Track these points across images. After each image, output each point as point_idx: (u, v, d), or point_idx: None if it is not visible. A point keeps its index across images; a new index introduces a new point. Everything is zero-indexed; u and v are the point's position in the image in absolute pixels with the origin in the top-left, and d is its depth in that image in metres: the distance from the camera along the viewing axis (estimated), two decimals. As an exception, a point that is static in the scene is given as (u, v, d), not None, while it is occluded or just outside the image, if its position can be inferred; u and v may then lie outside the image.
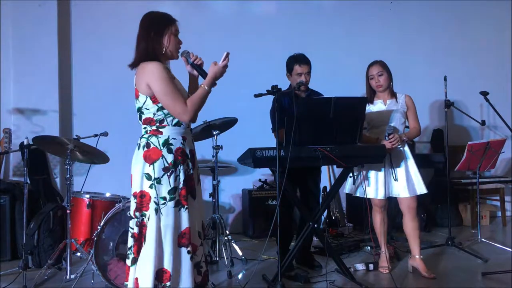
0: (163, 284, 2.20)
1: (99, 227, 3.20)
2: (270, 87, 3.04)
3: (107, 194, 3.57)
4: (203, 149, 4.70)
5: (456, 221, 5.33)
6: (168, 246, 2.21)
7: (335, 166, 4.98)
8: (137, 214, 2.26)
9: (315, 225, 3.28)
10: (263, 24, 5.55)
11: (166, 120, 2.28)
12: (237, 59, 5.17)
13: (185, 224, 2.25)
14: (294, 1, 5.60)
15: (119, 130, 4.30)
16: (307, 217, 3.29)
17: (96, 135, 3.82)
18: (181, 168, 2.27)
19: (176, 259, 2.23)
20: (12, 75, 4.81)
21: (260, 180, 5.15)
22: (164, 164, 2.23)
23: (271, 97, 3.24)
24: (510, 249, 4.07)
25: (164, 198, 2.23)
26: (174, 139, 2.28)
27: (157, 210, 2.22)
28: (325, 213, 4.72)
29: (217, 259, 3.85)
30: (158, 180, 2.23)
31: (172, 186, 2.23)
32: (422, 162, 3.56)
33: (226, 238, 3.91)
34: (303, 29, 5.58)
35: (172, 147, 2.26)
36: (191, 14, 5.41)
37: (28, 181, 3.77)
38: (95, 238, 3.16)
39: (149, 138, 2.27)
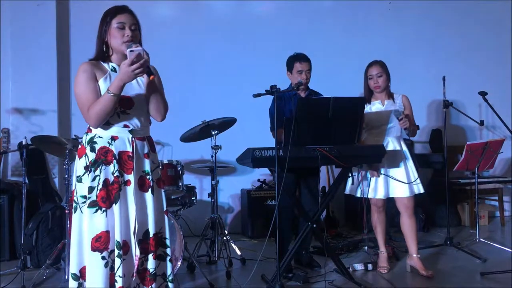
0: (83, 281, 2.13)
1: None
2: (269, 87, 3.05)
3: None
4: (202, 149, 4.71)
5: (455, 221, 5.34)
6: (81, 247, 2.13)
7: (334, 167, 4.98)
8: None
9: (314, 225, 3.28)
10: (262, 23, 5.54)
11: None
12: (236, 59, 5.30)
13: (101, 227, 2.11)
14: (293, 1, 5.60)
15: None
16: (306, 217, 3.30)
17: (94, 135, 3.81)
18: (103, 168, 2.14)
19: (89, 261, 2.12)
20: (11, 75, 4.80)
21: (259, 180, 5.14)
22: (86, 162, 2.16)
23: (270, 97, 3.24)
24: (508, 249, 4.08)
25: (84, 197, 2.14)
26: (100, 137, 2.18)
27: (76, 209, 2.15)
28: (324, 213, 4.71)
29: (216, 259, 3.84)
30: (79, 178, 2.17)
31: (89, 185, 2.14)
32: (420, 162, 3.57)
33: (224, 238, 3.91)
34: (302, 28, 5.58)
35: (95, 145, 2.17)
36: (190, 14, 5.41)
37: (27, 181, 3.76)
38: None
39: (83, 136, 2.25)
